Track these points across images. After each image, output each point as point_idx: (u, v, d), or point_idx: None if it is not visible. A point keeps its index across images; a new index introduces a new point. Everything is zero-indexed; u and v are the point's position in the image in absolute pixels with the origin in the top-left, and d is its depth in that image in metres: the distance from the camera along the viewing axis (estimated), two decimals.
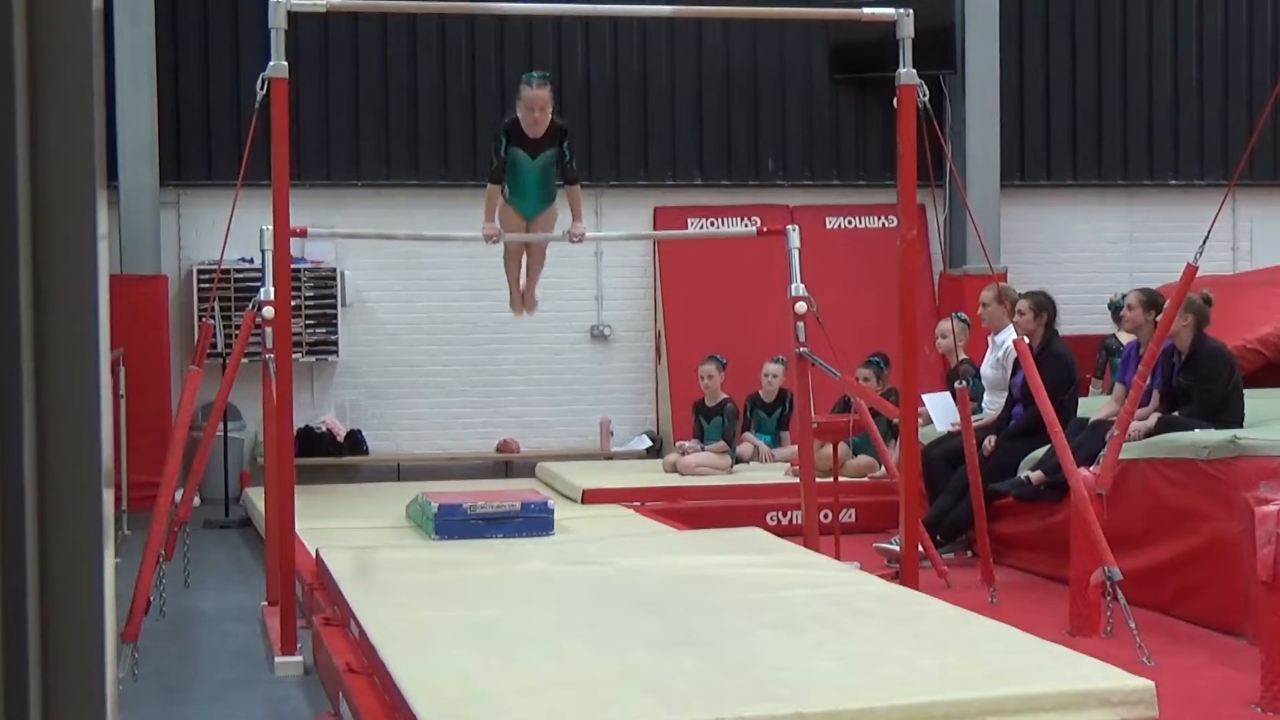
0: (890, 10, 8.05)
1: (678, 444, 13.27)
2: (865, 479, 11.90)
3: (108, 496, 1.25)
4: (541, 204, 8.79)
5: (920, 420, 8.82)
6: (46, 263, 1.21)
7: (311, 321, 14.62)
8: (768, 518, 11.30)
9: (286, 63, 7.52)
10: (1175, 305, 8.14)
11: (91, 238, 1.21)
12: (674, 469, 12.63)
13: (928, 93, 8.01)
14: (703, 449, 12.65)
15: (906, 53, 8.00)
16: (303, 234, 8.92)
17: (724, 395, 12.72)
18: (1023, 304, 10.30)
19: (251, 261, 13.16)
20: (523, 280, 9.44)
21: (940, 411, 10.76)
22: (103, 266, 1.26)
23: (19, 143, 1.19)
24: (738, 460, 12.72)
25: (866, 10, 8.50)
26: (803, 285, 9.32)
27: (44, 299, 1.22)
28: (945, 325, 11.55)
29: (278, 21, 7.48)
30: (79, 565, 1.23)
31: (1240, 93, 16.33)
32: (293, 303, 9.84)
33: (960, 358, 10.55)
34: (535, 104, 8.45)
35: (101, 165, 1.26)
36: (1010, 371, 10.45)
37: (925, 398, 10.90)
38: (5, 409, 1.19)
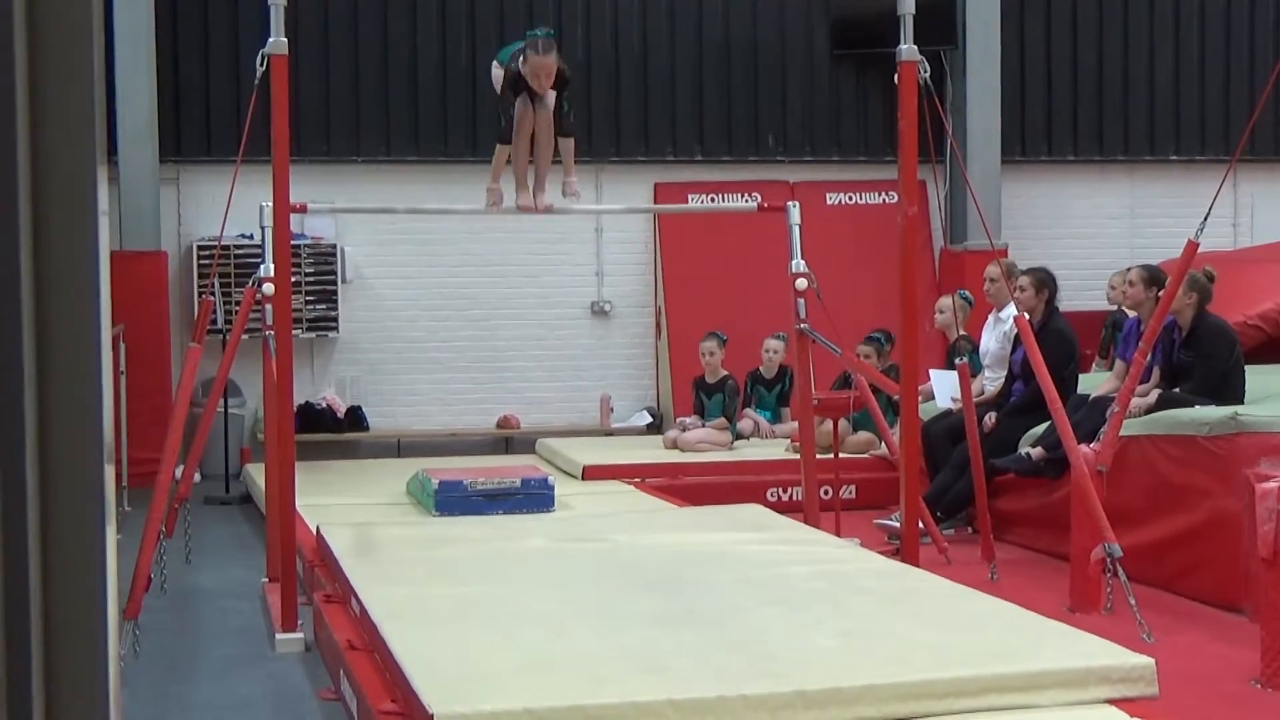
0: None
1: (678, 420, 13.27)
2: (866, 455, 11.90)
3: (109, 473, 1.25)
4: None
5: (920, 397, 8.82)
6: (47, 240, 1.21)
7: (311, 298, 14.62)
8: (768, 494, 11.31)
9: (286, 39, 7.50)
10: (1176, 282, 8.13)
11: (93, 214, 1.21)
12: (674, 445, 12.63)
13: (928, 69, 7.98)
14: (703, 425, 12.65)
15: (907, 28, 7.97)
16: (302, 210, 8.91)
17: (725, 372, 12.71)
18: (1024, 280, 10.28)
19: (251, 238, 13.15)
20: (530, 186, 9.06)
21: (944, 388, 10.75)
22: (103, 243, 1.26)
23: (19, 120, 1.18)
24: (738, 436, 12.71)
25: None
26: (803, 262, 9.31)
27: (45, 276, 1.21)
28: (945, 301, 11.54)
29: None
30: (81, 541, 1.23)
31: (1242, 68, 16.30)
32: (293, 279, 9.83)
33: (959, 333, 10.54)
34: (543, 71, 8.40)
35: (102, 142, 1.26)
36: (1012, 348, 10.44)
37: (932, 373, 10.90)
38: (7, 386, 1.19)
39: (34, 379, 1.20)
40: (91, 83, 1.21)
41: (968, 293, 11.76)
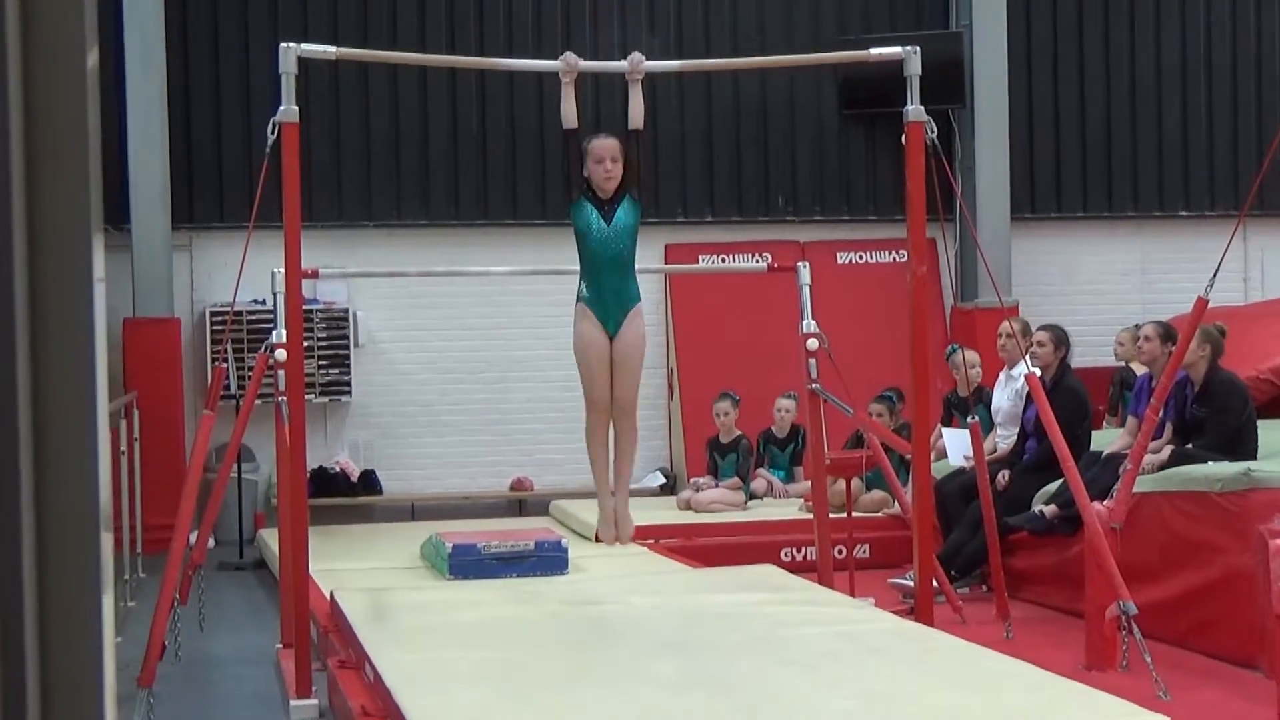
0: (897, 49, 8.05)
1: (691, 481, 13.25)
2: (879, 514, 11.87)
3: (107, 540, 1.25)
4: (624, 303, 7.37)
5: (933, 455, 8.79)
6: (43, 306, 1.22)
7: (324, 362, 14.65)
8: (782, 554, 11.27)
9: (297, 107, 7.52)
10: (1187, 338, 8.12)
11: (88, 281, 1.22)
12: (688, 506, 12.60)
13: (935, 128, 7.99)
14: (717, 485, 12.63)
15: (914, 90, 7.99)
16: (314, 275, 8.93)
17: (738, 432, 12.70)
18: (1042, 335, 10.27)
19: (264, 303, 13.19)
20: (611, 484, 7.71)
21: (956, 446, 10.73)
22: (100, 310, 1.27)
23: (14, 185, 1.19)
24: (752, 496, 12.69)
25: (874, 51, 8.51)
26: (814, 322, 9.31)
27: (41, 342, 1.22)
28: (966, 355, 11.37)
29: (288, 67, 7.49)
30: (78, 611, 1.23)
31: (1250, 122, 16.33)
32: (305, 344, 9.85)
33: (972, 388, 10.52)
34: (606, 153, 7.34)
35: (98, 208, 1.27)
36: (1024, 405, 10.42)
37: (944, 431, 10.87)
38: (3, 453, 1.19)
39: (30, 446, 1.20)
40: (88, 146, 1.22)
41: (957, 345, 11.62)
